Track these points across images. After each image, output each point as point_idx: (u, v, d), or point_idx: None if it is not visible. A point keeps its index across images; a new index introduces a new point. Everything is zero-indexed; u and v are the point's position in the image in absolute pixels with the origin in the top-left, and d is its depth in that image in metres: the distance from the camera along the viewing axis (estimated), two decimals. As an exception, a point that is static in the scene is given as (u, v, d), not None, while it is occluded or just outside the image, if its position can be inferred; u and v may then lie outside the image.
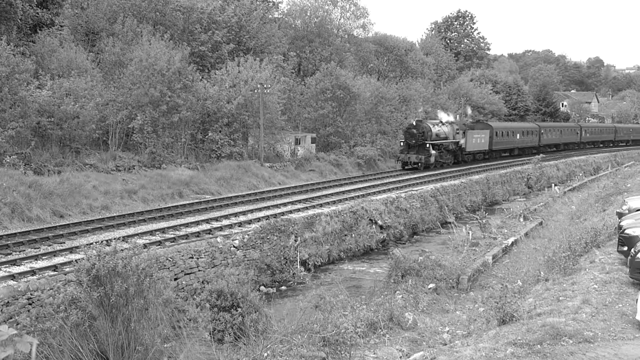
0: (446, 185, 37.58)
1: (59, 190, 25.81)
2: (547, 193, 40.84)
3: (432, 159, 44.83)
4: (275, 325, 14.56)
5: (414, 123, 45.16)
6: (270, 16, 58.75)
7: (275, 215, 25.67)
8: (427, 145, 44.56)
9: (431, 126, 45.46)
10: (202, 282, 18.92)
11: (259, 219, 24.90)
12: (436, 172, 43.93)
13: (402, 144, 46.34)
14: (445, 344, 12.95)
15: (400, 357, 12.82)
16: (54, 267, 16.98)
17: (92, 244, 13.86)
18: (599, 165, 61.55)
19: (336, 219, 26.43)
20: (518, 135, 60.32)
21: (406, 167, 44.86)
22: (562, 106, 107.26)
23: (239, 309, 14.58)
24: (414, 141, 44.72)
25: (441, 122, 48.36)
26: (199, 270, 19.60)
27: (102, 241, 14.92)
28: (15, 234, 20.75)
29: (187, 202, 28.72)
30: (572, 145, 74.24)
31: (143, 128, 34.85)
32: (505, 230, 27.48)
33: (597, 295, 12.93)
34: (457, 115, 70.97)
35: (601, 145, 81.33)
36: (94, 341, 12.49)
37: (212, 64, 46.66)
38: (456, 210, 36.03)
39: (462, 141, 49.39)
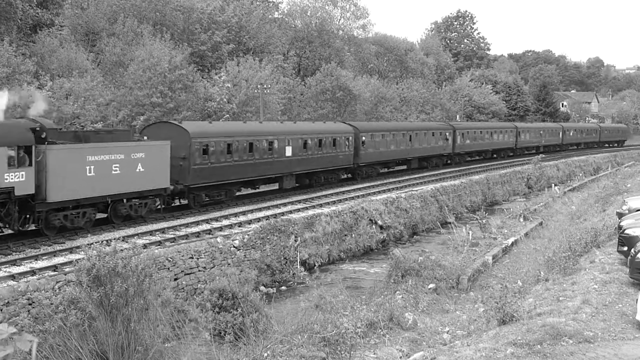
0: (446, 185, 37.58)
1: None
2: (547, 193, 40.84)
3: None
4: (276, 325, 14.56)
5: None
6: (270, 16, 58.84)
7: (275, 215, 25.67)
8: None
9: None
10: (202, 282, 18.92)
11: (259, 219, 24.90)
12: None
13: None
14: (445, 344, 12.95)
15: (400, 357, 12.83)
16: (54, 267, 16.99)
17: (92, 244, 13.84)
18: (599, 166, 61.58)
19: (336, 219, 26.43)
20: (290, 148, 31.00)
21: None
22: (562, 106, 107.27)
23: (240, 309, 14.58)
24: None
25: None
26: (199, 271, 19.60)
27: (102, 241, 14.91)
28: (15, 234, 20.72)
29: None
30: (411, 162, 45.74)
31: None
32: (505, 231, 27.48)
33: (597, 295, 12.93)
34: (458, 116, 71.09)
35: (479, 157, 57.40)
36: (93, 341, 12.50)
37: (212, 64, 46.71)
38: (456, 210, 36.02)
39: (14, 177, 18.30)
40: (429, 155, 45.63)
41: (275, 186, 32.55)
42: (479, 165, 49.95)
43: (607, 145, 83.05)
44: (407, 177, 40.37)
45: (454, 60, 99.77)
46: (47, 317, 13.28)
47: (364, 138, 37.38)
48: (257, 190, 31.81)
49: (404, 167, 44.39)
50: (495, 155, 57.93)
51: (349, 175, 38.23)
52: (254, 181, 29.81)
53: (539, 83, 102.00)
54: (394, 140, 40.35)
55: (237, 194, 29.35)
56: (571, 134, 72.65)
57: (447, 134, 47.65)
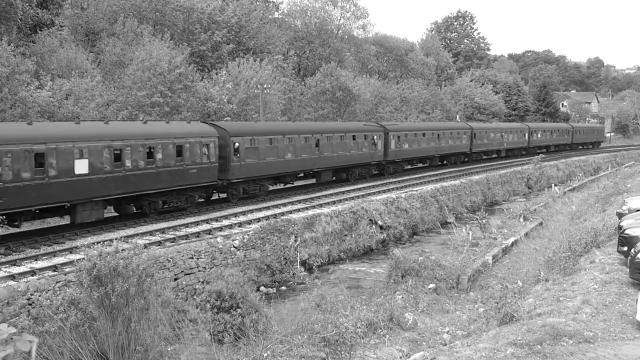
0: (446, 185, 37.58)
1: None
2: (547, 193, 40.85)
3: None
4: (275, 325, 14.57)
5: None
6: (270, 16, 58.90)
7: (275, 216, 25.66)
8: None
9: None
10: (202, 282, 18.93)
11: (259, 219, 24.90)
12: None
13: None
14: (445, 344, 12.96)
15: (400, 357, 12.83)
16: (54, 268, 16.99)
17: (94, 244, 13.84)
18: (599, 166, 61.58)
19: (336, 219, 26.42)
20: (84, 163, 21.20)
21: None
22: (562, 106, 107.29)
23: (239, 310, 14.58)
24: None
25: None
26: (199, 271, 19.59)
27: (102, 241, 14.92)
28: (15, 234, 20.74)
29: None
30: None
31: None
32: (505, 231, 27.49)
33: (597, 295, 12.92)
34: (458, 117, 71.14)
35: (424, 165, 49.13)
36: (94, 342, 12.49)
37: (212, 64, 46.75)
38: (456, 210, 36.02)
39: None
40: (349, 165, 36.59)
41: (67, 220, 22.50)
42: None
43: (580, 147, 74.94)
44: (407, 177, 40.34)
45: (454, 61, 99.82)
46: (47, 318, 13.27)
47: (237, 144, 27.86)
48: (21, 230, 20.97)
49: (314, 180, 35.72)
50: (445, 162, 49.38)
51: (222, 195, 29.59)
52: (10, 215, 18.95)
53: (539, 83, 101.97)
54: (290, 146, 31.07)
55: None
56: (539, 135, 64.70)
57: (374, 137, 38.30)
